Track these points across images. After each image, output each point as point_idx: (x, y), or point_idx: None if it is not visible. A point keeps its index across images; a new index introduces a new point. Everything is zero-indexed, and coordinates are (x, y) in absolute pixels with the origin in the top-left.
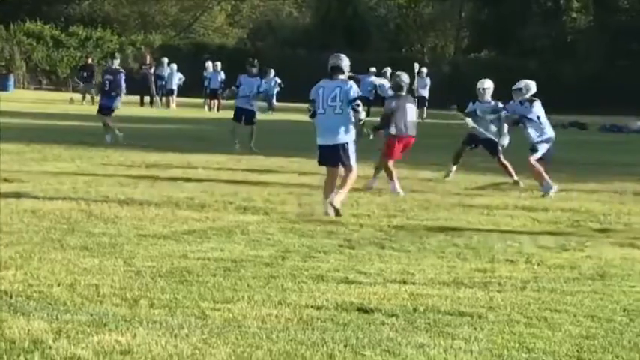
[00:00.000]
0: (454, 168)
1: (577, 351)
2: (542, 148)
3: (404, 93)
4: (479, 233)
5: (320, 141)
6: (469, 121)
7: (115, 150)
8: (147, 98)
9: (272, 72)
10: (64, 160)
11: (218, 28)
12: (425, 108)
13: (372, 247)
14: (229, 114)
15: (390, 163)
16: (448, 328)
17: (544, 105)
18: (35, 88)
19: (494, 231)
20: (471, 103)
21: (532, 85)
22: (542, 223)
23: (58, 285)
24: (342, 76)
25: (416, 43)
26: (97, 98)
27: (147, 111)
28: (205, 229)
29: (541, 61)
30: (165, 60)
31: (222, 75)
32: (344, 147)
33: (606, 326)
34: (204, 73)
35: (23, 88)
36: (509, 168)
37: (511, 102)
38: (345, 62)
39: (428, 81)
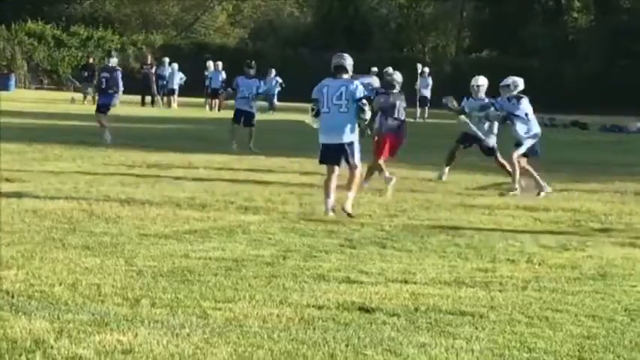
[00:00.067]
0: (447, 169)
1: (578, 351)
2: (527, 143)
3: (395, 91)
4: (480, 233)
5: (323, 140)
6: (462, 117)
7: (115, 150)
8: (148, 98)
9: (273, 72)
10: (66, 159)
11: (219, 27)
12: (426, 108)
13: (374, 247)
14: (230, 114)
15: (381, 161)
16: (449, 327)
17: (545, 105)
18: (36, 88)
19: (496, 231)
20: (465, 99)
21: (520, 82)
22: (543, 222)
23: (60, 284)
24: (345, 76)
25: (417, 43)
26: (96, 97)
27: (148, 111)
28: (207, 229)
29: (542, 60)
30: (167, 60)
31: (224, 75)
32: (349, 146)
33: (608, 326)
34: (206, 73)
35: (24, 87)
36: (508, 167)
37: (499, 98)
38: (349, 62)
39: (430, 81)
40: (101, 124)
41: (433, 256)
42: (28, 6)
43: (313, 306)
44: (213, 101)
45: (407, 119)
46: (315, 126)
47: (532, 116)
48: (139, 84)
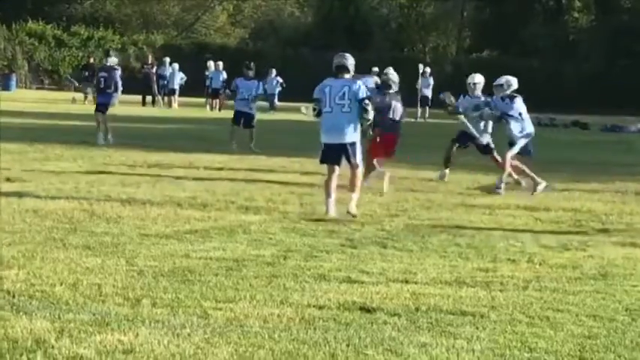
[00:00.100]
0: (447, 170)
1: (579, 351)
2: (521, 143)
3: (392, 91)
4: (481, 233)
5: (325, 139)
6: (461, 117)
7: (116, 149)
8: (149, 98)
9: (274, 72)
10: (67, 159)
11: (220, 27)
12: (427, 108)
13: (374, 247)
14: (231, 114)
15: (374, 161)
16: (450, 327)
17: (545, 105)
18: (37, 88)
19: (497, 230)
20: (461, 96)
21: (513, 82)
22: (544, 222)
23: (61, 284)
24: (347, 76)
25: (418, 42)
26: (90, 97)
27: (149, 110)
28: (207, 229)
29: (543, 60)
30: (167, 60)
31: (224, 75)
32: (351, 146)
33: (608, 326)
34: (206, 73)
35: (25, 87)
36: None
37: (493, 98)
38: (351, 61)
39: (431, 81)
40: (98, 122)
41: (434, 255)
42: (29, 6)
43: (314, 306)
44: (214, 101)
45: (408, 119)
46: (309, 112)
47: (526, 115)
48: (140, 84)
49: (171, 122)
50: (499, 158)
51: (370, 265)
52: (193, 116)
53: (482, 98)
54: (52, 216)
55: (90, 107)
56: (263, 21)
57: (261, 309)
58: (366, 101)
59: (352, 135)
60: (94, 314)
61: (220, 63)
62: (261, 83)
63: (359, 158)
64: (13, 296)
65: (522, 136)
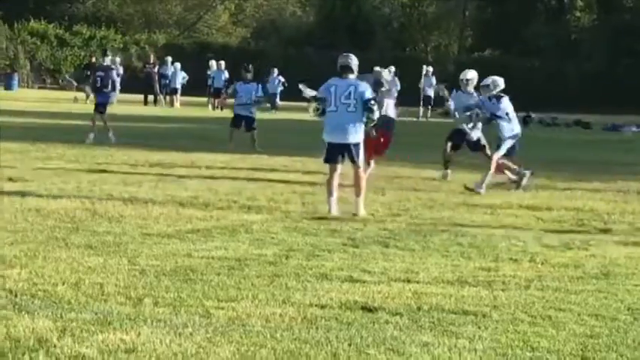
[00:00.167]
0: (448, 171)
1: (581, 350)
2: (507, 144)
3: (383, 89)
4: (483, 232)
5: (329, 138)
6: (451, 104)
7: (118, 149)
8: (151, 97)
9: (275, 71)
10: (68, 158)
11: (222, 27)
12: (430, 107)
13: (376, 246)
14: (231, 113)
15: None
16: (452, 327)
17: (547, 104)
18: (39, 87)
19: (499, 230)
20: (454, 91)
21: (500, 82)
22: (546, 222)
23: (63, 284)
24: (351, 76)
25: (420, 42)
26: (92, 96)
27: (150, 110)
28: (209, 228)
29: (545, 60)
30: (169, 59)
31: (226, 74)
32: (355, 146)
33: (611, 325)
34: (208, 72)
35: (27, 87)
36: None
37: (480, 97)
38: (355, 62)
39: (434, 80)
40: (94, 122)
41: (436, 255)
42: (31, 5)
43: (316, 305)
44: (216, 100)
45: (411, 118)
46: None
47: (513, 115)
48: (142, 83)
49: (173, 121)
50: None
51: (372, 265)
52: (195, 115)
53: (475, 94)
54: (54, 215)
55: (91, 107)
56: (265, 20)
57: (263, 308)
58: (372, 102)
59: (356, 135)
60: (96, 313)
61: (222, 62)
62: (260, 85)
63: (362, 159)
64: (16, 295)
65: (509, 137)
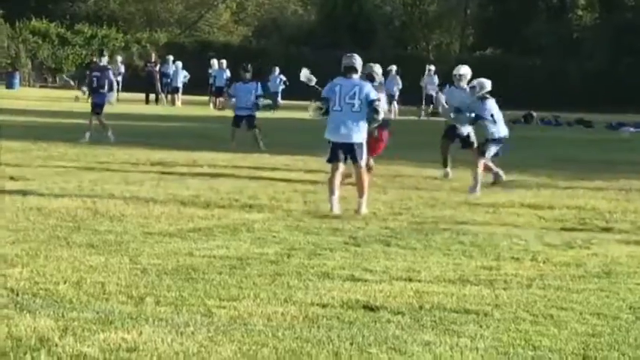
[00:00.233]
0: (448, 170)
1: (583, 349)
2: (492, 149)
3: (375, 83)
4: (484, 231)
5: (333, 138)
6: (440, 95)
7: (119, 148)
8: (152, 96)
9: (277, 70)
10: (70, 157)
11: (223, 25)
12: (432, 106)
13: (378, 245)
14: (231, 113)
15: None
16: (454, 325)
17: (549, 103)
18: (40, 86)
19: (500, 228)
20: (447, 86)
21: (486, 84)
22: (548, 220)
23: (64, 283)
24: (355, 76)
25: (421, 40)
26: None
27: (152, 109)
28: (211, 227)
29: (546, 58)
30: (171, 58)
31: (228, 73)
32: (359, 146)
33: (612, 324)
34: (210, 71)
35: (29, 86)
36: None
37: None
38: (359, 62)
39: (436, 79)
40: (91, 122)
41: (437, 254)
42: (32, 4)
43: (317, 304)
44: (218, 99)
45: (413, 117)
46: (315, 113)
47: (498, 117)
48: (143, 82)
49: (174, 120)
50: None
51: (374, 264)
52: (197, 114)
53: (467, 89)
54: (56, 214)
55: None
56: (266, 19)
57: (265, 307)
58: (377, 102)
59: (359, 135)
60: (97, 312)
61: (224, 61)
62: (259, 83)
63: (364, 160)
64: (17, 294)
65: (494, 141)
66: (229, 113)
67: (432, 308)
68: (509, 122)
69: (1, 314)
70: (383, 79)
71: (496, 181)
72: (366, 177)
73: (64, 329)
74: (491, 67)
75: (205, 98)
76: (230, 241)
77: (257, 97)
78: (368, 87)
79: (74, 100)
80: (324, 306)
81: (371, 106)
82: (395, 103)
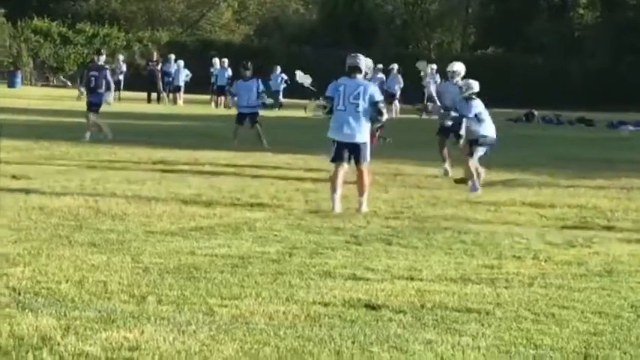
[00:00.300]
0: (447, 165)
1: (585, 347)
2: (480, 151)
3: (367, 78)
4: (486, 229)
5: (337, 137)
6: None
7: (121, 147)
8: (154, 95)
9: (278, 69)
10: (72, 156)
11: (225, 24)
12: (421, 104)
13: (379, 244)
14: (235, 111)
15: None
16: (455, 324)
17: (551, 101)
18: (42, 85)
19: (502, 227)
20: (443, 81)
21: (473, 85)
22: (549, 219)
23: (66, 282)
24: (359, 76)
25: (422, 39)
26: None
27: (154, 107)
28: (213, 226)
29: (548, 57)
30: (172, 56)
31: (229, 72)
32: (363, 146)
33: (614, 323)
34: (211, 70)
35: (30, 84)
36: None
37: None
38: (363, 62)
39: (437, 78)
40: (88, 120)
41: (439, 252)
42: (34, 3)
43: (319, 303)
44: (219, 98)
45: (414, 116)
46: (316, 112)
47: (485, 117)
48: (145, 81)
49: (176, 119)
50: (462, 145)
51: (375, 262)
52: (198, 113)
53: (461, 84)
54: (58, 213)
55: None
56: (268, 18)
57: (267, 306)
58: (381, 104)
59: (363, 135)
60: (99, 311)
61: (225, 60)
62: (260, 80)
63: (368, 160)
64: (19, 293)
65: (482, 141)
66: (232, 112)
67: (433, 307)
68: (510, 121)
69: (3, 313)
70: (401, 81)
71: (464, 180)
72: (368, 177)
73: (66, 328)
74: (493, 66)
75: (207, 97)
76: (232, 240)
77: (259, 94)
78: (372, 88)
79: (76, 99)
80: (325, 305)
81: (375, 107)
82: (396, 101)
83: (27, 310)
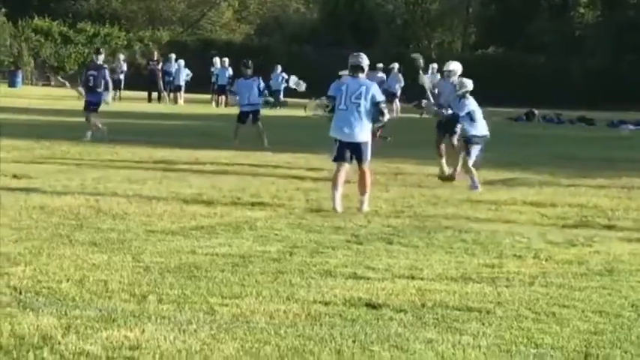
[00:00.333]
0: (443, 161)
1: (585, 346)
2: (475, 149)
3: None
4: (487, 229)
5: (339, 136)
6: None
7: (122, 146)
8: (155, 94)
9: (279, 68)
10: (73, 156)
11: (225, 24)
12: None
13: (380, 243)
14: (237, 110)
15: None
16: (456, 323)
17: (551, 100)
18: (43, 85)
19: (502, 226)
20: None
21: (467, 83)
22: (550, 218)
23: (67, 281)
24: (362, 75)
25: (423, 39)
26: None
27: (154, 107)
28: (213, 225)
29: (549, 56)
30: (173, 56)
31: (230, 71)
32: (365, 145)
33: (614, 322)
34: (212, 69)
35: (31, 84)
36: (460, 157)
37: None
38: (366, 62)
39: (438, 77)
40: (88, 120)
41: (440, 251)
42: (35, 3)
43: (320, 302)
44: (220, 97)
45: (415, 115)
46: (317, 111)
47: (478, 116)
48: (146, 80)
49: (177, 118)
50: (455, 143)
51: (376, 262)
52: (199, 112)
53: (455, 81)
54: (59, 212)
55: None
56: (268, 17)
57: (267, 305)
58: (383, 105)
59: (365, 134)
60: (100, 310)
61: (226, 59)
62: (260, 78)
63: (369, 158)
64: (20, 293)
65: (475, 138)
66: (233, 111)
67: (434, 306)
68: (511, 120)
69: (4, 312)
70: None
71: (449, 177)
72: (369, 176)
73: (67, 327)
74: (494, 66)
75: (208, 96)
76: (232, 239)
77: (261, 91)
78: (374, 88)
79: (77, 99)
80: (326, 304)
81: (377, 108)
82: (397, 101)
83: (28, 310)
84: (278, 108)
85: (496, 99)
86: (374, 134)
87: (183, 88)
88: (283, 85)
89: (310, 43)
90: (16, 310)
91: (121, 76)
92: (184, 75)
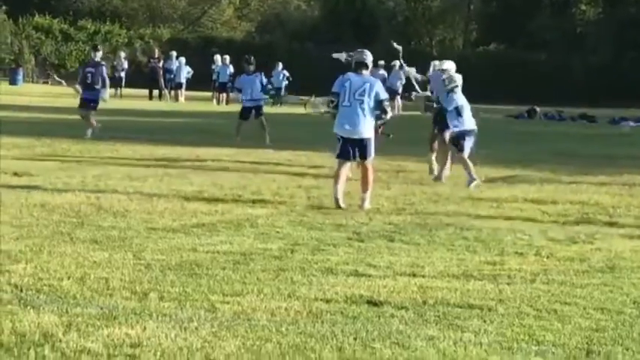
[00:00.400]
0: (433, 157)
1: (587, 343)
2: (466, 143)
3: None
4: (488, 226)
5: (343, 133)
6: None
7: (123, 143)
8: (155, 92)
9: (280, 65)
10: (73, 153)
11: (226, 21)
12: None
13: (382, 240)
14: (238, 107)
15: None
16: (458, 320)
17: (553, 97)
18: (44, 82)
19: (504, 223)
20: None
21: (456, 78)
22: (551, 215)
23: (68, 278)
24: (365, 72)
25: (424, 36)
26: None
27: (155, 104)
28: (214, 223)
29: (550, 53)
30: (174, 53)
31: (231, 68)
32: (368, 141)
33: (616, 319)
34: (213, 67)
35: (32, 82)
36: (449, 155)
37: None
38: (370, 59)
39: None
40: (85, 117)
41: (441, 249)
42: (35, 0)
43: (321, 299)
44: (221, 95)
45: (416, 113)
46: (318, 109)
47: (465, 111)
48: (147, 78)
49: (177, 116)
50: (447, 139)
51: (377, 259)
52: (200, 110)
53: (444, 76)
54: (60, 210)
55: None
56: (269, 14)
57: (269, 302)
58: (386, 102)
59: (368, 131)
60: (101, 308)
61: (227, 57)
62: (262, 74)
63: (372, 156)
64: (21, 290)
65: (462, 136)
66: (234, 108)
67: (435, 303)
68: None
69: (5, 310)
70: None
71: (436, 178)
72: (372, 173)
73: (68, 325)
74: (495, 63)
75: (208, 94)
76: (233, 237)
77: (263, 87)
78: (378, 85)
79: (74, 97)
80: (327, 301)
81: (380, 106)
82: (399, 98)
83: (29, 307)
84: (279, 105)
85: (497, 96)
86: (376, 131)
87: (184, 86)
88: (284, 83)
89: (311, 41)
90: (17, 307)
91: (122, 74)
92: (185, 72)
